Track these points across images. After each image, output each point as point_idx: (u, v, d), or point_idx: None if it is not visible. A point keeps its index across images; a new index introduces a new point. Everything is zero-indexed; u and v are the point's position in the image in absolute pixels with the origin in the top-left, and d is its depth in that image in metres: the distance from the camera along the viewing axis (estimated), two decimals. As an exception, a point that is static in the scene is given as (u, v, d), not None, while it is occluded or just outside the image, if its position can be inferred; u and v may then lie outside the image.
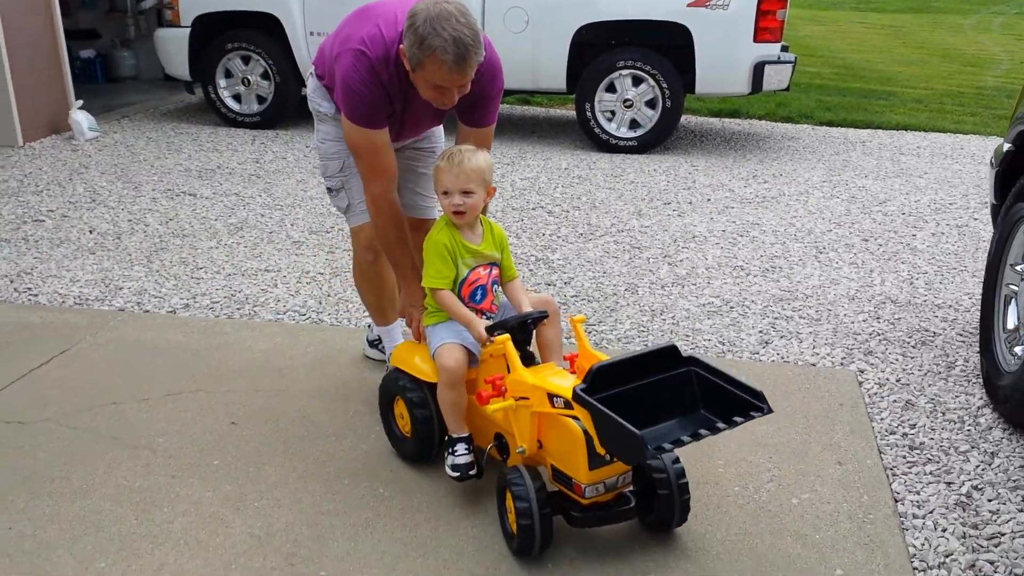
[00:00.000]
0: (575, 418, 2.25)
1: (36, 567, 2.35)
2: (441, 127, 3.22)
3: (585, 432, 2.22)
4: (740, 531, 2.52)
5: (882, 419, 3.16)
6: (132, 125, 7.92)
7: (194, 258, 4.66)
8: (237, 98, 7.79)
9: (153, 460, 2.84)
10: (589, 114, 7.22)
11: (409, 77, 2.64)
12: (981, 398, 3.31)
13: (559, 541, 2.43)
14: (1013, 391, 2.98)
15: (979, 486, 2.77)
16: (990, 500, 2.69)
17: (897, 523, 2.57)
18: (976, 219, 5.69)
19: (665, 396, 2.25)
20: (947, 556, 2.44)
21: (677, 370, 2.29)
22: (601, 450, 2.21)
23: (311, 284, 4.35)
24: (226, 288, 4.27)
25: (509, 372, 2.45)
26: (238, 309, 4.04)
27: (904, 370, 3.54)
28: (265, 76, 7.64)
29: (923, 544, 2.49)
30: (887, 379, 3.46)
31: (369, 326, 3.55)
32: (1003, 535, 2.53)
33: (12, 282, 4.30)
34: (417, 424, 2.73)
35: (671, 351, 2.31)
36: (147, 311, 4.00)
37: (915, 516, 2.61)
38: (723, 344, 3.76)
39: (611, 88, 7.15)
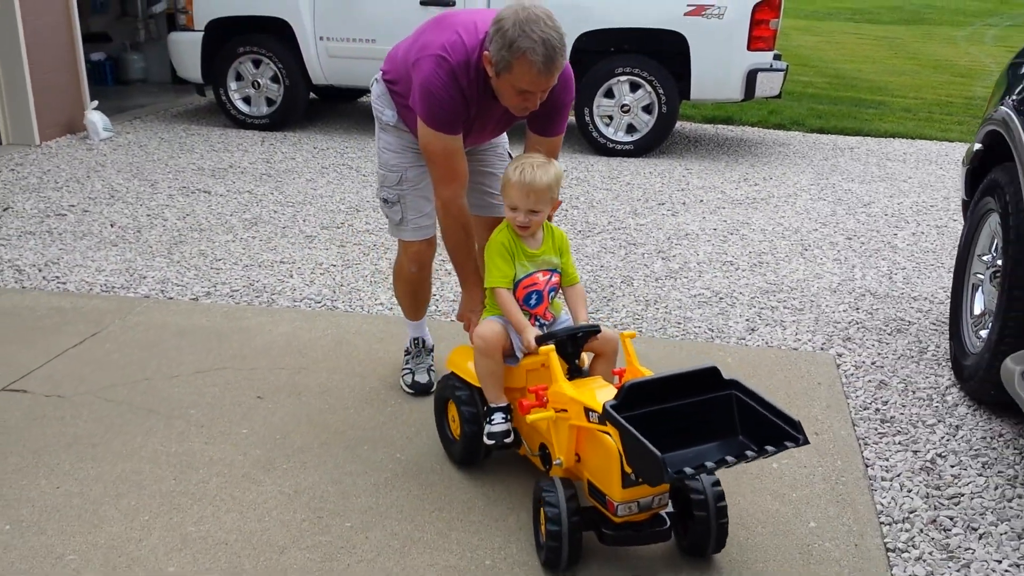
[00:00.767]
0: (611, 434, 2.23)
1: (85, 520, 2.59)
2: (505, 135, 3.25)
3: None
4: (725, 490, 2.77)
5: (857, 396, 3.43)
6: (144, 126, 8.17)
7: (212, 250, 4.92)
8: (247, 100, 8.05)
9: (187, 429, 3.09)
10: (588, 119, 7.48)
11: (488, 84, 2.70)
12: (949, 379, 3.58)
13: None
14: (976, 370, 3.26)
15: (943, 454, 3.03)
16: (952, 466, 2.96)
17: (867, 484, 2.84)
18: (955, 220, 5.96)
19: (705, 418, 2.21)
20: (911, 512, 2.71)
21: (717, 392, 2.25)
22: (627, 468, 2.20)
23: (325, 275, 4.60)
24: (244, 278, 4.52)
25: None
26: (257, 297, 4.29)
27: (879, 354, 3.81)
28: (275, 79, 7.89)
29: (889, 502, 2.75)
30: (863, 362, 3.73)
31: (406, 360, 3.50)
32: (963, 495, 2.80)
33: (40, 271, 4.55)
34: (464, 422, 2.75)
35: (712, 373, 2.26)
36: (171, 298, 4.25)
37: (883, 479, 2.88)
38: (712, 331, 4.03)
39: (609, 94, 7.42)
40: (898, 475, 2.90)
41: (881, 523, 2.65)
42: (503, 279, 2.69)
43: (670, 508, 2.40)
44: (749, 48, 7.22)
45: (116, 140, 7.55)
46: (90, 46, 9.78)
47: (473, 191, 3.08)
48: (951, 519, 2.68)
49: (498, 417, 2.68)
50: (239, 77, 7.95)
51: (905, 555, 2.52)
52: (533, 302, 2.75)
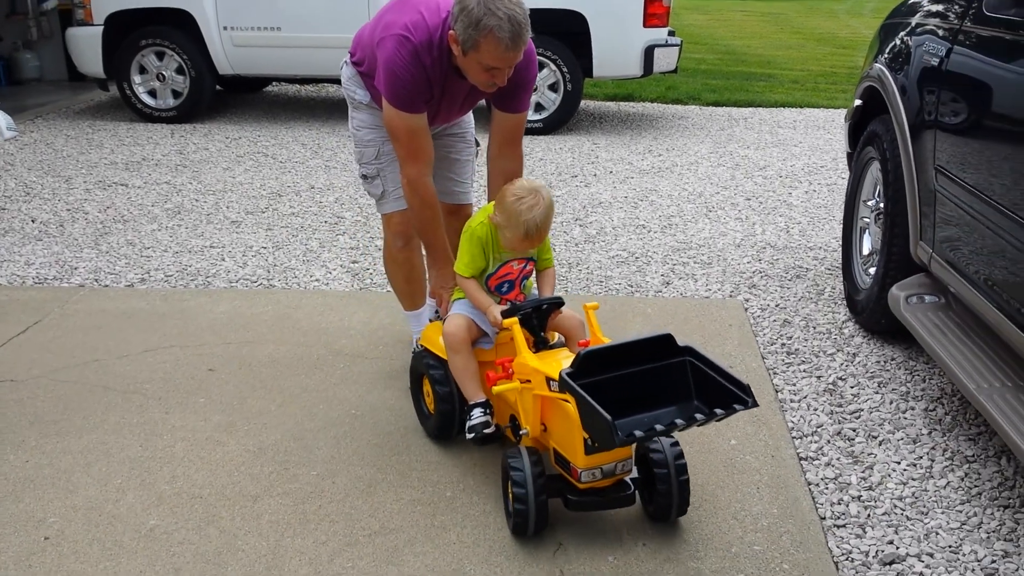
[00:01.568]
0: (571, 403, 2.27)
1: (59, 487, 2.71)
2: (471, 113, 3.29)
3: None
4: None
5: (764, 334, 3.79)
6: (47, 124, 8.05)
7: (140, 240, 4.98)
8: (152, 93, 8.01)
9: (144, 402, 3.22)
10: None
11: (451, 63, 2.75)
12: (845, 315, 3.97)
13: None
14: (868, 303, 3.64)
15: (843, 377, 3.40)
16: (852, 387, 3.33)
17: (778, 406, 3.18)
18: (843, 178, 6.44)
19: (661, 384, 2.28)
20: (818, 427, 3.06)
21: (672, 359, 2.31)
22: (584, 434, 2.25)
23: (257, 256, 4.73)
24: (176, 263, 4.62)
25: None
26: (192, 280, 4.40)
27: (782, 298, 4.18)
28: (180, 71, 7.88)
29: (799, 420, 3.10)
30: (768, 305, 4.10)
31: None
32: (862, 411, 3.16)
33: (-33, 268, 4.55)
34: (438, 400, 2.82)
35: (666, 340, 2.32)
36: (106, 286, 4.33)
37: (792, 401, 3.23)
38: (632, 287, 4.33)
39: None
40: (804, 397, 3.25)
41: (793, 437, 2.99)
42: (470, 269, 2.74)
43: (634, 474, 2.45)
44: (645, 25, 7.56)
45: (22, 139, 7.43)
46: (-19, 46, 9.55)
47: (437, 177, 3.09)
48: (854, 430, 3.04)
49: (476, 412, 2.69)
50: (143, 70, 7.91)
51: (816, 462, 2.86)
52: (505, 289, 2.81)
